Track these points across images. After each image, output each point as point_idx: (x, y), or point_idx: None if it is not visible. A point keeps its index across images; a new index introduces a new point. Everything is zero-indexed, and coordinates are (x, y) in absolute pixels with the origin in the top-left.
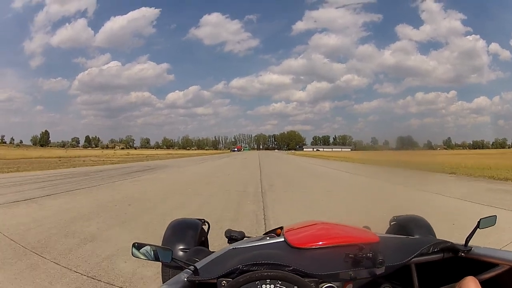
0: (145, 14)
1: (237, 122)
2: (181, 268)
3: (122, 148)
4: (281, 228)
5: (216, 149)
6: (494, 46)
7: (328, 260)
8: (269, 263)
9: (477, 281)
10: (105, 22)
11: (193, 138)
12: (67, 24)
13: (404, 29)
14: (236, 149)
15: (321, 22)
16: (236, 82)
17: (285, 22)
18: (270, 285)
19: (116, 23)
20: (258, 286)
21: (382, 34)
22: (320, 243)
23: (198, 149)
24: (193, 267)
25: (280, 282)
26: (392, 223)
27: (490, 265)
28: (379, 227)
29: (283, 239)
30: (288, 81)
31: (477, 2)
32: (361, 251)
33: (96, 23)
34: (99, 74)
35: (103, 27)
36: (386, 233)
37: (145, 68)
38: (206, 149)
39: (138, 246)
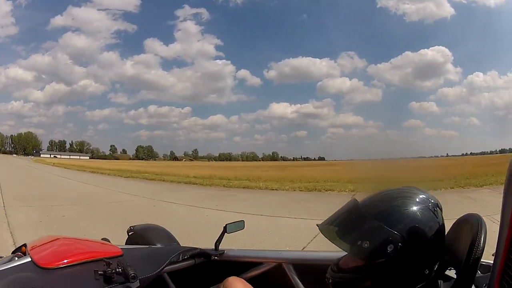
0: None
1: None
2: None
3: None
4: (25, 245)
5: None
6: (244, 73)
7: (78, 278)
8: None
9: (241, 279)
10: None
11: None
12: None
13: (153, 44)
14: None
15: (78, 21)
16: None
17: (48, 14)
18: None
19: None
20: None
21: (130, 45)
22: (66, 261)
23: None
24: None
25: None
26: (130, 234)
27: (255, 264)
28: (118, 239)
29: (30, 259)
30: (30, 78)
31: (239, 33)
32: (109, 267)
33: None
34: None
35: None
36: (126, 244)
37: None
38: None
39: None
